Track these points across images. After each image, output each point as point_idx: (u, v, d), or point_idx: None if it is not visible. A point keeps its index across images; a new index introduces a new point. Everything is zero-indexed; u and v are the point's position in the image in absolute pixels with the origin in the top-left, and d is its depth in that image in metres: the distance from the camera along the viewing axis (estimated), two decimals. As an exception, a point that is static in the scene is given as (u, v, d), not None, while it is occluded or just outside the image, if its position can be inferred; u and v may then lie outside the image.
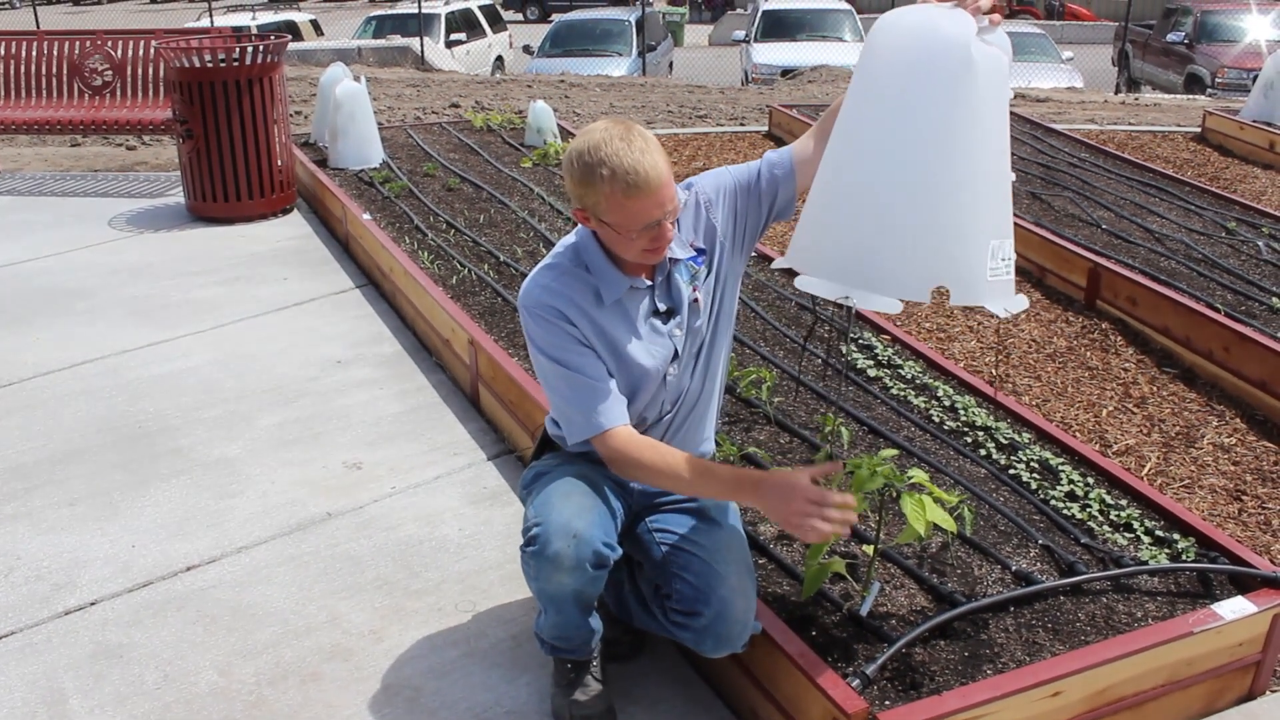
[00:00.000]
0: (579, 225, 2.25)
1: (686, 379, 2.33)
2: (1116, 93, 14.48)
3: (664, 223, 2.10)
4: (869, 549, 2.55)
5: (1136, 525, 2.76)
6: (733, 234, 2.30)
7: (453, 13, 17.44)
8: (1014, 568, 2.56)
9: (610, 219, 2.09)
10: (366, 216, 5.35)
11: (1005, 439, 3.21)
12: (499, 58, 18.57)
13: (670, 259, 2.23)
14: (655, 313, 2.24)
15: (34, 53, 7.20)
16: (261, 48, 5.95)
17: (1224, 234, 5.47)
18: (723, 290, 2.33)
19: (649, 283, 2.24)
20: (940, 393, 3.51)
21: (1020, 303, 2.03)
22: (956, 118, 1.92)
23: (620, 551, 2.20)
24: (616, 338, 2.21)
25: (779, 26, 16.00)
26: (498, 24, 19.53)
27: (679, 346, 2.27)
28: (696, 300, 2.27)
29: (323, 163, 6.54)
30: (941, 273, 1.93)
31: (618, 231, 2.10)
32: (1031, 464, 3.07)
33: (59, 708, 2.42)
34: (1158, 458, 3.62)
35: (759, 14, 16.34)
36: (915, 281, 1.93)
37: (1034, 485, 2.96)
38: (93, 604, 2.79)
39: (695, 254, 2.27)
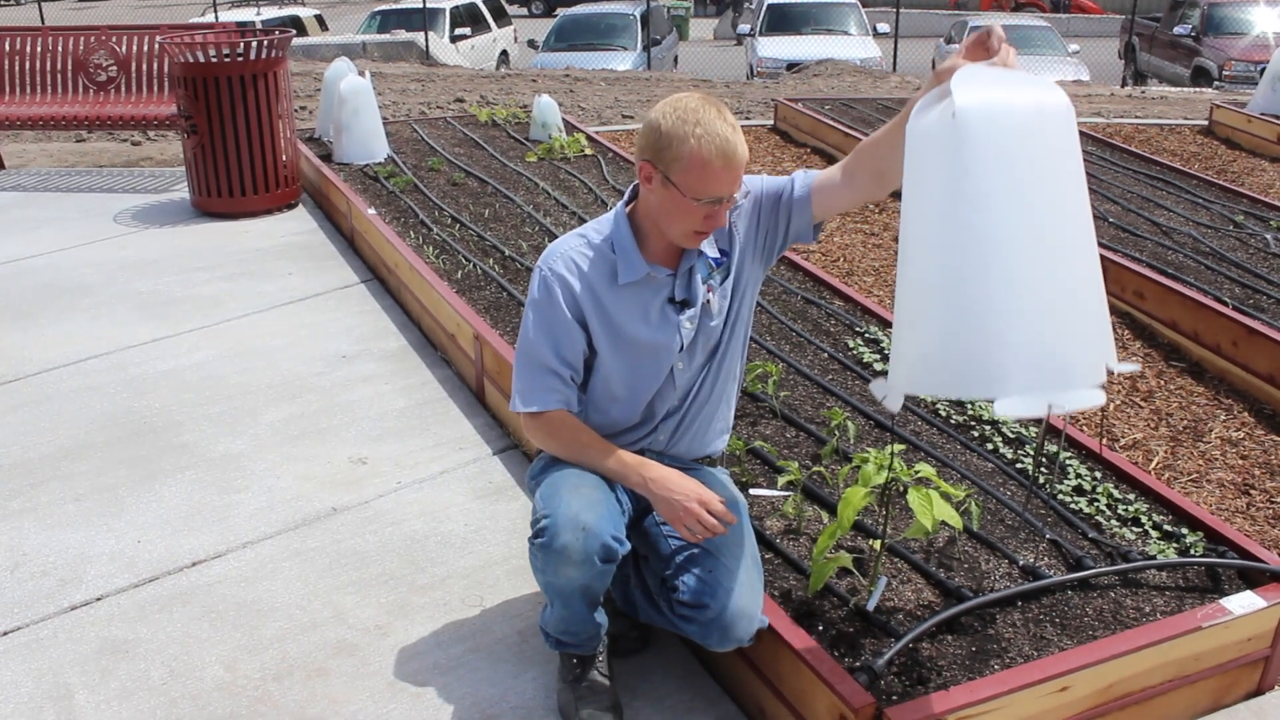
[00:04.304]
0: (619, 203, 2.29)
1: (697, 378, 2.34)
2: (1123, 86, 14.44)
3: (725, 204, 2.11)
4: (876, 544, 2.54)
5: (1144, 520, 2.75)
6: (754, 242, 2.30)
7: (457, 7, 17.41)
8: (1021, 562, 2.55)
9: (681, 179, 2.07)
10: (371, 211, 5.34)
11: (1012, 433, 3.20)
12: (504, 52, 18.55)
13: (698, 253, 2.25)
14: (671, 300, 2.27)
15: (39, 49, 7.20)
16: (266, 43, 5.94)
17: (1232, 227, 5.45)
18: (741, 296, 2.33)
19: (670, 272, 2.26)
20: (947, 387, 3.50)
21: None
22: (937, 184, 1.76)
23: (629, 546, 2.19)
24: (620, 321, 2.24)
25: (784, 20, 15.97)
26: (502, 18, 19.50)
27: (686, 339, 2.28)
28: (709, 301, 2.28)
29: (327, 158, 6.54)
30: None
31: (682, 193, 2.08)
32: (1039, 458, 3.06)
33: (65, 703, 2.42)
34: (1165, 452, 3.61)
35: (764, 7, 16.30)
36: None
37: (1041, 480, 2.95)
38: (99, 599, 2.79)
39: (719, 254, 2.29)
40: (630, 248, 2.23)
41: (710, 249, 2.27)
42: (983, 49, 1.86)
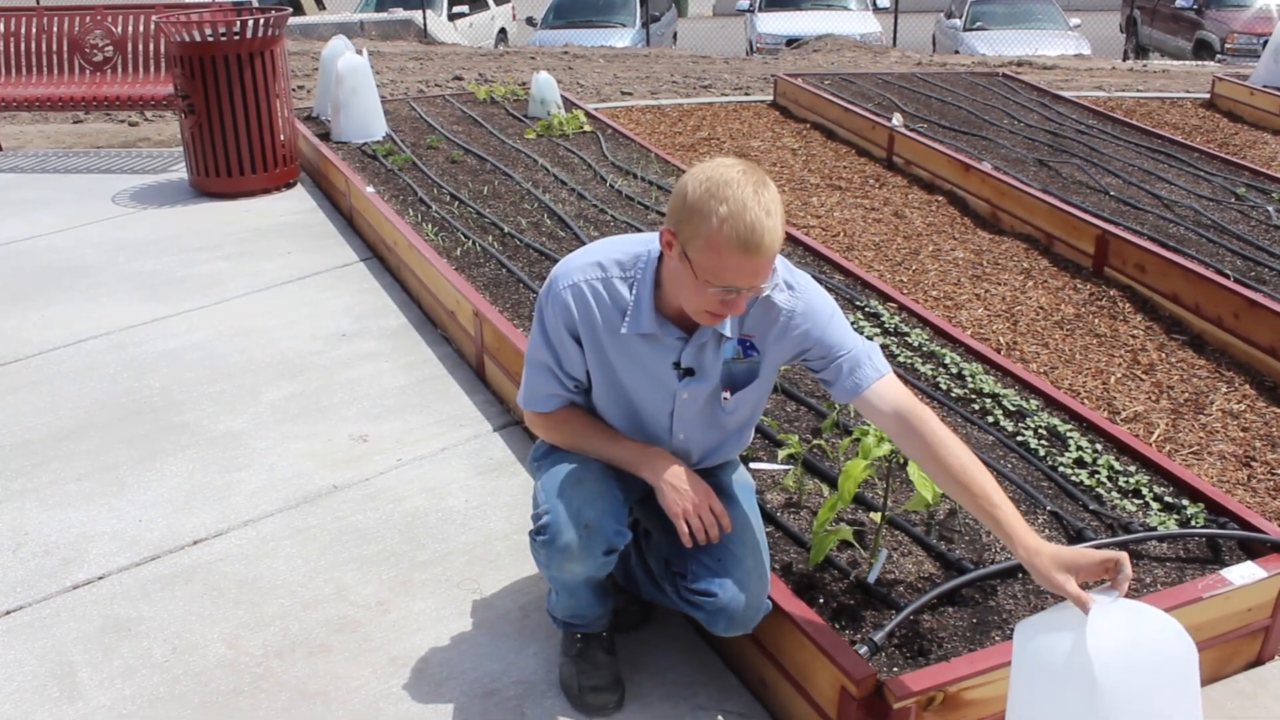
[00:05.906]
0: (657, 246, 2.10)
1: (695, 447, 2.27)
2: (1124, 59, 14.36)
3: (744, 294, 1.93)
4: (876, 516, 2.54)
5: (1145, 491, 2.75)
6: (782, 362, 2.20)
7: (455, -15, 17.32)
8: (1022, 534, 2.55)
9: (698, 260, 1.89)
10: (370, 190, 5.33)
11: (1013, 406, 3.19)
12: (502, 30, 18.46)
13: (717, 331, 2.09)
14: (675, 365, 2.13)
15: (34, 29, 7.16)
16: (262, 21, 5.90)
17: (1233, 200, 5.43)
18: (758, 393, 2.24)
19: (683, 335, 2.10)
20: (948, 360, 3.49)
21: None
22: None
23: (630, 535, 2.19)
24: (618, 367, 2.15)
25: (783, -5, 15.87)
26: (500, -4, 19.40)
27: (682, 410, 2.19)
28: (726, 399, 2.19)
29: (326, 136, 6.51)
30: None
31: (695, 275, 1.91)
32: (1040, 430, 3.05)
33: (69, 680, 2.43)
34: (1166, 424, 3.61)
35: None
36: None
37: (1042, 452, 2.95)
38: (101, 578, 2.80)
39: (746, 345, 2.14)
40: (645, 300, 2.06)
41: (732, 333, 2.10)
42: (1103, 573, 1.86)
